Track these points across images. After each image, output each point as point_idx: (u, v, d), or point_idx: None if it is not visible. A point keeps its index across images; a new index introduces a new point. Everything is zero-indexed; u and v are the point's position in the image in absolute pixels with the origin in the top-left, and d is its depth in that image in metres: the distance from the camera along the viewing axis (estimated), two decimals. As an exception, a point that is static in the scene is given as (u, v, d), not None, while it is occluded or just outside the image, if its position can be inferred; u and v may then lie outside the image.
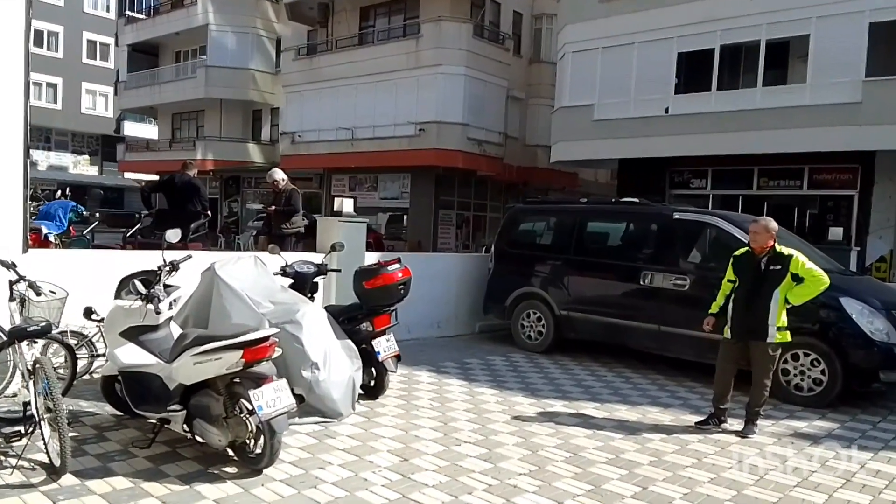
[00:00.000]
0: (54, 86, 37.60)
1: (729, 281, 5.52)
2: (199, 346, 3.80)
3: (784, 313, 5.31)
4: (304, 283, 5.91)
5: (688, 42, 15.26)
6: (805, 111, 13.44)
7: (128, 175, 33.87)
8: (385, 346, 5.52)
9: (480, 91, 21.38)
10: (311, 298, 5.97)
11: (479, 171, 21.79)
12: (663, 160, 15.91)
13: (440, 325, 9.13)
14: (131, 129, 37.47)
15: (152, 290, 4.21)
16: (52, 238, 7.32)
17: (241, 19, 27.28)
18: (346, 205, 7.81)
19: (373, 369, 5.61)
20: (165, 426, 4.24)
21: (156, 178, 23.16)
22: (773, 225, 5.34)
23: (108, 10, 38.77)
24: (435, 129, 20.53)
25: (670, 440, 5.15)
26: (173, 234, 4.95)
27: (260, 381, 3.77)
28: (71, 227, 8.60)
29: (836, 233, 10.04)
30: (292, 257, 6.14)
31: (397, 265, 5.55)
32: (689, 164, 15.95)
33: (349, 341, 5.33)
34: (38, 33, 36.63)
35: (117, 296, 4.39)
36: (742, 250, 5.47)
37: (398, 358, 5.79)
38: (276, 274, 5.71)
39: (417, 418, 5.27)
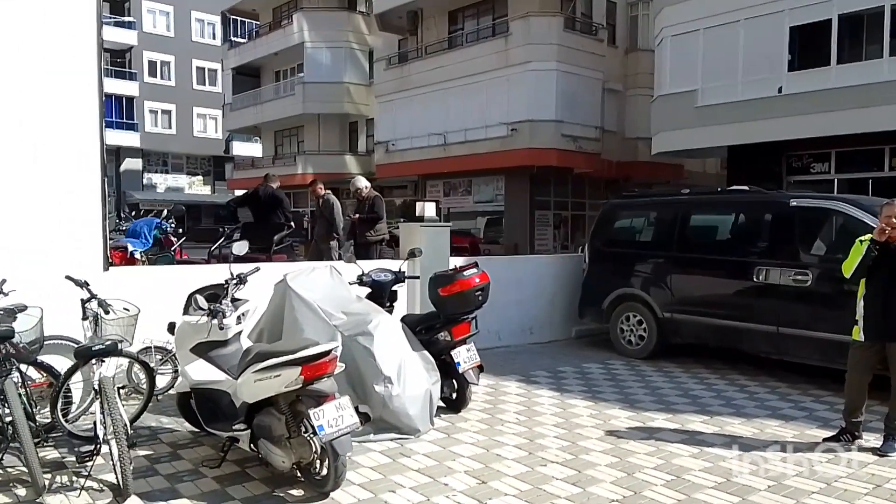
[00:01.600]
0: (168, 112, 40.20)
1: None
2: (259, 363, 3.60)
3: (930, 309, 4.51)
4: (382, 292, 5.67)
5: (800, 14, 13.94)
6: (943, 80, 11.89)
7: (238, 192, 35.56)
8: (465, 357, 5.17)
9: (574, 86, 20.65)
10: (391, 307, 5.73)
11: (575, 168, 21.04)
12: (779, 144, 14.60)
13: (533, 330, 8.67)
14: (239, 148, 39.46)
15: (216, 305, 4.08)
16: (137, 255, 7.54)
17: (335, 34, 27.90)
18: (429, 209, 7.54)
19: (454, 381, 5.27)
20: (236, 445, 4.09)
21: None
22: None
23: (214, 38, 40.97)
24: (527, 127, 20.02)
25: (792, 460, 4.46)
26: (239, 247, 4.84)
27: (321, 399, 3.52)
28: (166, 241, 8.86)
29: None
30: (370, 265, 5.92)
31: (474, 270, 5.19)
32: (809, 146, 14.54)
33: (426, 353, 5.02)
34: (152, 63, 39.38)
35: (185, 311, 4.30)
36: (868, 236, 4.68)
37: (481, 368, 5.42)
38: (352, 283, 5.51)
39: (501, 434, 4.87)
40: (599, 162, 21.38)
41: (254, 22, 34.31)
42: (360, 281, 5.60)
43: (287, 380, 3.48)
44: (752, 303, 6.88)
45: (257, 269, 4.65)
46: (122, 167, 39.40)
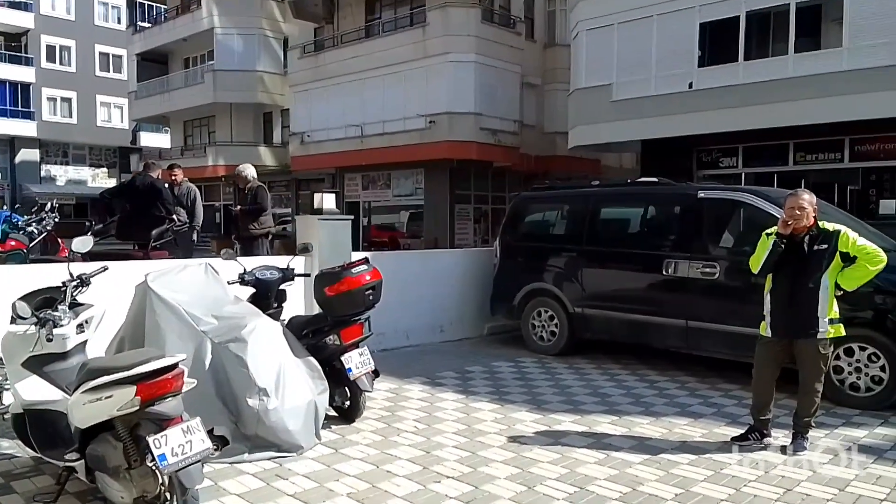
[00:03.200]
0: (69, 100, 37.63)
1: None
2: (89, 381, 3.02)
3: (835, 303, 4.38)
4: (268, 292, 5.11)
5: (711, 11, 14.12)
6: (843, 77, 12.23)
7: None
8: (357, 362, 4.70)
9: (493, 79, 20.44)
10: (279, 308, 5.18)
11: (494, 161, 20.88)
12: (689, 139, 14.80)
13: (443, 328, 8.28)
14: (147, 139, 37.42)
15: (47, 313, 3.44)
16: (-23, 252, 6.66)
17: (247, 21, 26.70)
18: (327, 200, 7.01)
19: (346, 389, 4.80)
20: (74, 475, 3.48)
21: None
22: (812, 197, 4.41)
23: (119, 22, 38.67)
24: (446, 120, 19.67)
25: (701, 463, 4.23)
26: (81, 243, 4.19)
27: (164, 423, 2.97)
28: (51, 238, 7.97)
29: (888, 206, 8.86)
30: (253, 263, 5.34)
31: (363, 267, 4.72)
32: (718, 141, 14.82)
33: (311, 359, 4.52)
34: (51, 48, 36.79)
35: (13, 320, 3.64)
36: (774, 229, 4.51)
37: (376, 374, 4.97)
38: (232, 283, 4.93)
39: (395, 446, 4.43)
40: (519, 156, 21.30)
41: (161, 6, 32.51)
42: (242, 280, 5.02)
43: (120, 401, 2.92)
44: (661, 297, 6.72)
45: (104, 269, 4.02)
46: (18, 158, 36.65)
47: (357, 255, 6.37)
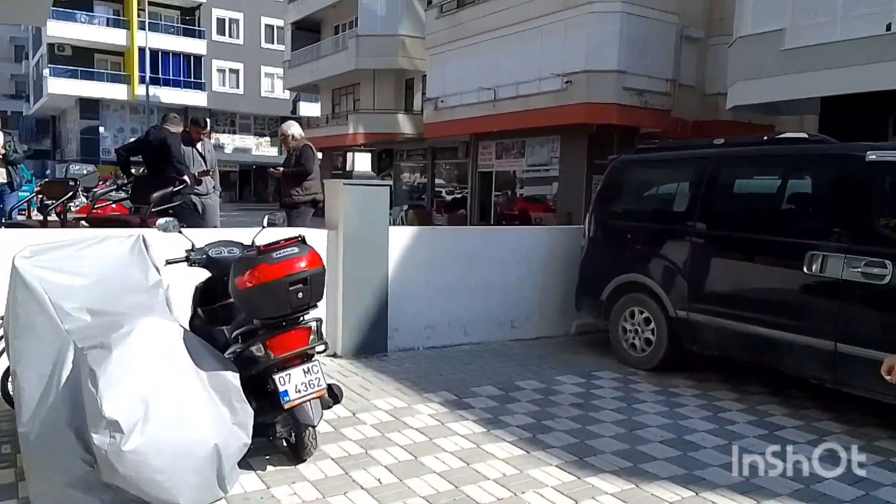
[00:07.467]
0: (236, 71, 39.71)
1: None
2: None
3: None
4: (224, 276, 3.90)
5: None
6: None
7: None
8: (297, 384, 3.34)
9: (643, 30, 17.84)
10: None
11: (641, 127, 18.35)
12: (885, 97, 11.62)
13: (515, 324, 6.70)
14: (305, 108, 38.56)
15: None
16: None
17: (391, -19, 25.93)
18: (361, 161, 5.68)
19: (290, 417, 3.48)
20: None
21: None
22: None
23: (284, -7, 39.96)
24: (584, 79, 17.50)
25: None
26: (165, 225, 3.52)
27: None
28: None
29: None
30: (207, 237, 4.14)
31: (291, 250, 3.30)
32: (926, 98, 11.52)
33: (228, 375, 3.23)
34: (221, 21, 38.84)
35: None
36: None
37: (335, 396, 3.60)
38: (172, 263, 3.78)
39: (325, 515, 3.06)
40: (670, 120, 18.54)
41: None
42: (189, 259, 3.85)
43: None
44: (800, 304, 4.71)
45: None
46: (192, 127, 39.40)
47: (313, 233, 5.02)
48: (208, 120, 7.77)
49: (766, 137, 5.34)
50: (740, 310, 5.02)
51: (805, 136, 5.10)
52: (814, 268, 4.50)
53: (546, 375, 5.44)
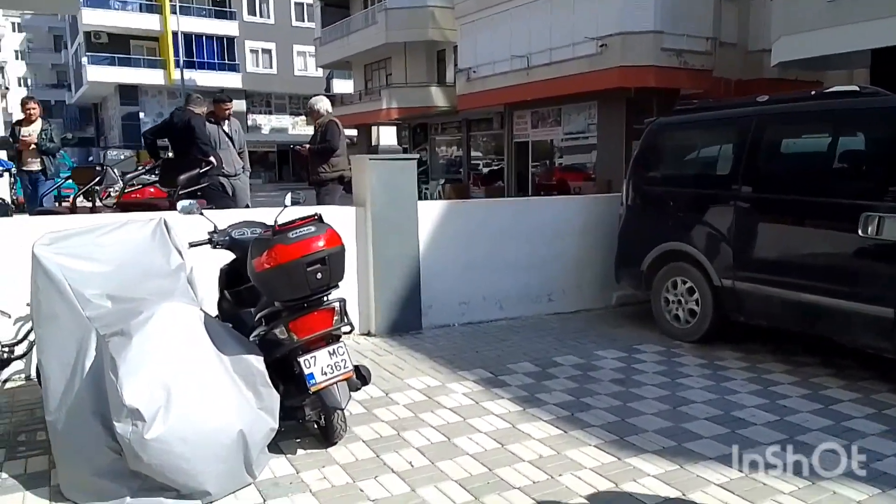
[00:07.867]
0: (269, 51, 39.78)
1: None
2: None
3: None
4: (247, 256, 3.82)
5: None
6: None
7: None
8: (323, 366, 3.26)
9: (681, -13, 17.17)
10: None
11: (681, 89, 17.72)
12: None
13: (552, 297, 6.52)
14: (338, 86, 38.49)
15: None
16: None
17: (419, -49, 25.48)
18: (386, 135, 5.59)
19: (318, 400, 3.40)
20: None
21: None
22: None
23: (311, -30, 39.70)
24: (619, 42, 16.94)
25: None
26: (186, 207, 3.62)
27: None
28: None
29: None
30: (229, 218, 4.06)
31: (308, 229, 3.18)
32: None
33: (253, 359, 3.16)
34: (251, 1, 38.81)
35: None
36: None
37: (364, 377, 3.51)
38: (196, 245, 3.71)
39: (359, 502, 2.97)
40: (712, 81, 17.85)
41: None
42: (211, 241, 3.78)
43: None
44: (855, 269, 4.42)
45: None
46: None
47: (330, 211, 4.87)
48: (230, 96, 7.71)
49: (813, 92, 4.98)
50: (790, 277, 4.75)
51: (856, 88, 4.73)
52: (869, 230, 4.20)
53: (585, 350, 5.27)
